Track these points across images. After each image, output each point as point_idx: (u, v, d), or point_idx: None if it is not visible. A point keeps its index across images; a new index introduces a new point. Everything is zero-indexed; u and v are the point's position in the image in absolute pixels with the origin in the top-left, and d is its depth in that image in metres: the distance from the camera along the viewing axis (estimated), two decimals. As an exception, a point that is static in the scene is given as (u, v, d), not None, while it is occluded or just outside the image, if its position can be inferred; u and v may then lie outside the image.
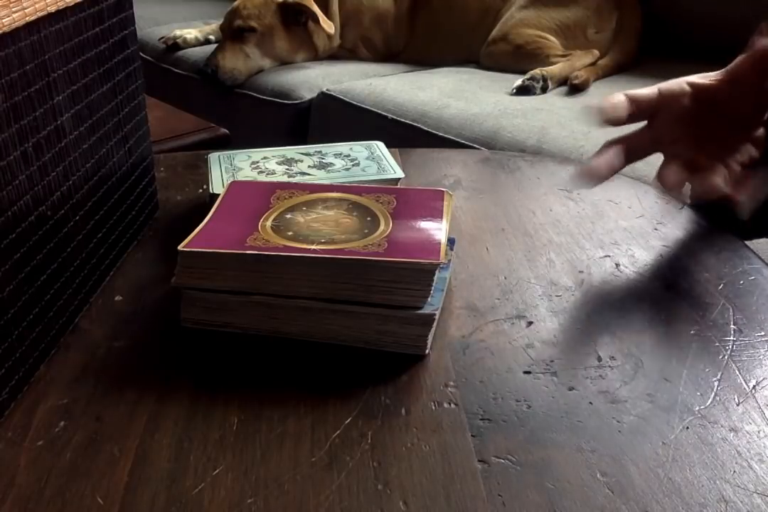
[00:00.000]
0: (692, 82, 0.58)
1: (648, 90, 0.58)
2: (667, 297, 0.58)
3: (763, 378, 0.49)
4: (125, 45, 0.61)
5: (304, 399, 0.47)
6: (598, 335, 0.54)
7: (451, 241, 0.61)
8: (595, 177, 0.57)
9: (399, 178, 0.70)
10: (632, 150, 0.58)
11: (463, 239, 0.67)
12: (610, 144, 0.58)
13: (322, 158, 0.74)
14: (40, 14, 0.46)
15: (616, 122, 0.57)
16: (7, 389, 0.46)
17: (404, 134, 1.61)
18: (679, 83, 0.58)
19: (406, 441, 0.44)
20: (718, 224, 0.70)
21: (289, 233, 0.54)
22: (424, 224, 0.55)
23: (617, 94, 0.58)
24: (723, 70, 0.58)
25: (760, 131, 0.59)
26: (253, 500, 0.40)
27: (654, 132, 0.59)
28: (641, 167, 1.39)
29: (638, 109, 0.57)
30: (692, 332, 0.54)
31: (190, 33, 2.18)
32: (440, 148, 0.95)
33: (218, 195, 0.60)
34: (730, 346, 0.52)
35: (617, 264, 0.63)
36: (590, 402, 0.47)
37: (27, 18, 0.44)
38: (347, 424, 0.45)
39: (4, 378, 0.45)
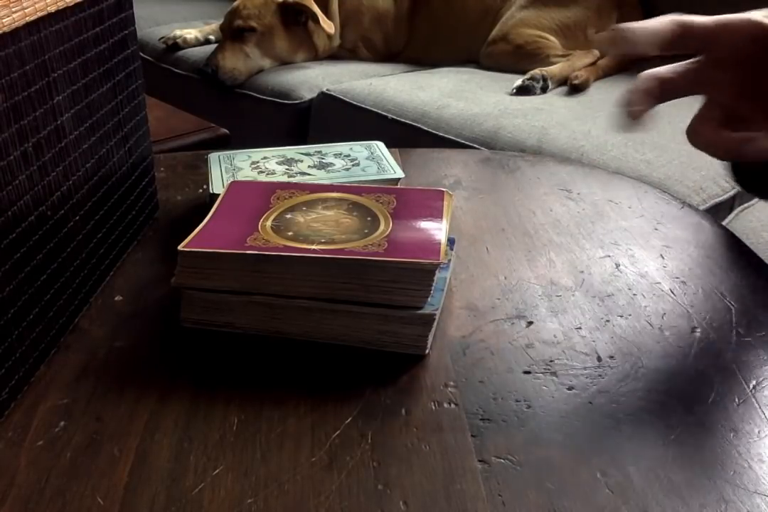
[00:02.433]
0: (760, 21, 0.48)
1: (705, 18, 0.49)
2: (667, 298, 0.58)
3: (763, 378, 0.49)
4: (125, 45, 0.61)
5: (304, 399, 0.47)
6: (598, 335, 0.54)
7: (451, 241, 0.61)
8: (634, 117, 0.49)
9: (399, 178, 0.70)
10: (668, 87, 0.50)
11: (463, 239, 0.67)
12: (644, 79, 0.50)
13: (322, 158, 0.74)
14: (40, 14, 0.46)
15: (650, 47, 0.49)
16: (7, 389, 0.46)
17: (404, 134, 1.61)
18: (744, 19, 0.49)
19: (406, 441, 0.44)
20: (750, 182, 0.64)
21: (289, 233, 0.54)
22: (424, 224, 0.55)
23: (665, 18, 0.49)
24: None
25: None
26: (253, 500, 0.40)
27: (699, 70, 0.50)
28: (641, 167, 1.39)
29: (687, 36, 0.49)
30: (692, 332, 0.54)
31: (190, 33, 2.18)
32: (440, 148, 0.95)
33: (218, 195, 0.60)
34: (730, 346, 0.52)
35: (617, 265, 0.63)
36: (590, 402, 0.47)
37: (27, 18, 0.44)
38: (347, 424, 0.45)
39: (4, 378, 0.45)
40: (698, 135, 0.50)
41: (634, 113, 0.49)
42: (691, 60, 0.50)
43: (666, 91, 0.50)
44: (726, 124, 0.50)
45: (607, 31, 0.49)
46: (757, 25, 0.48)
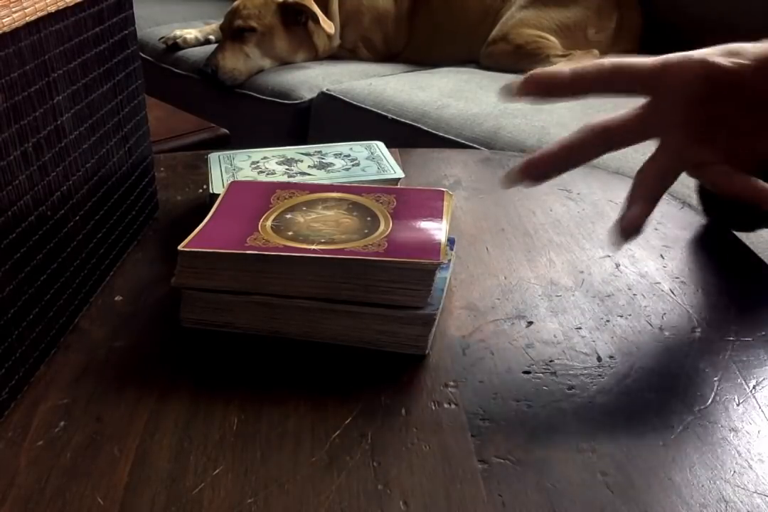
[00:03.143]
0: (708, 60, 0.47)
1: (647, 59, 0.49)
2: (667, 298, 0.58)
3: (763, 378, 0.49)
4: (125, 45, 0.61)
5: (304, 399, 0.47)
6: (598, 335, 0.54)
7: (451, 241, 0.61)
8: (531, 175, 0.52)
9: (399, 178, 0.70)
10: (617, 134, 0.49)
11: (463, 239, 0.67)
12: (588, 126, 0.50)
13: (322, 158, 0.74)
14: (40, 14, 0.46)
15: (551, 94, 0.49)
16: (7, 389, 0.46)
17: (404, 134, 1.61)
18: (687, 58, 0.48)
19: (406, 441, 0.44)
20: (718, 217, 0.68)
21: (289, 233, 0.54)
22: (424, 224, 0.55)
23: (603, 60, 0.49)
24: (756, 49, 0.48)
25: None
26: (253, 500, 0.40)
27: (648, 114, 0.49)
28: (641, 167, 1.38)
29: (626, 78, 0.49)
30: (692, 332, 0.54)
31: (190, 33, 2.19)
32: (440, 148, 0.95)
33: (218, 195, 0.60)
34: (730, 346, 0.52)
35: (617, 265, 0.63)
36: (590, 402, 0.47)
37: (27, 18, 0.44)
38: (347, 424, 0.45)
39: (4, 378, 0.45)
40: (641, 173, 0.51)
41: (517, 177, 0.51)
42: (639, 106, 0.49)
43: (615, 140, 0.50)
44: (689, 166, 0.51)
45: (523, 78, 0.49)
46: (705, 65, 0.47)
